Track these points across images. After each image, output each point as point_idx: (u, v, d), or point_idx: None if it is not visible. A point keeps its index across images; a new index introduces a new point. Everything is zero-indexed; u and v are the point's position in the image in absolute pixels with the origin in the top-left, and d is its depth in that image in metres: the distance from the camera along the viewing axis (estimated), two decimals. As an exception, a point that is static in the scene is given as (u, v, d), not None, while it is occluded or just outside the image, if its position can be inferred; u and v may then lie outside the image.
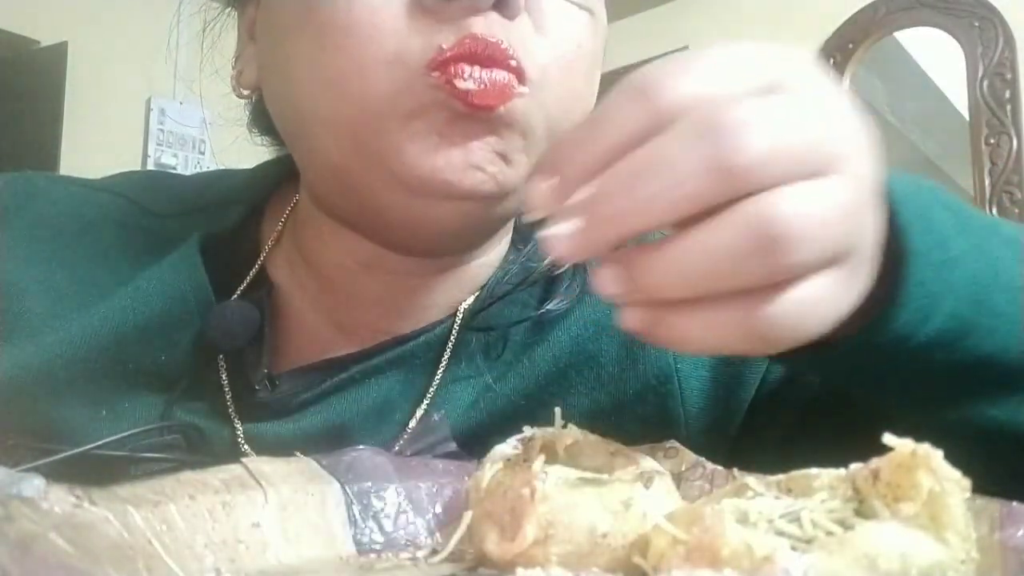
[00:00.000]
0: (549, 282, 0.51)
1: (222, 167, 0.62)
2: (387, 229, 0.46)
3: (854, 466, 0.26)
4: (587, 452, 0.31)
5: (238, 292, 0.50)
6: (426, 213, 0.43)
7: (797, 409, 0.47)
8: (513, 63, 0.40)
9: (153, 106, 3.01)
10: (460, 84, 0.39)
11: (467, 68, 0.39)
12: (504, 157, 0.41)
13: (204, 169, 0.67)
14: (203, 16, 0.55)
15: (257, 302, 0.49)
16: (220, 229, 0.51)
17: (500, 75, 0.39)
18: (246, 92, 0.51)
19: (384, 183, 0.42)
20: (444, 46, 0.39)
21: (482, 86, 0.39)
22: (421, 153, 0.40)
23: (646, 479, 0.29)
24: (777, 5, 2.75)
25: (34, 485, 0.24)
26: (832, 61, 2.62)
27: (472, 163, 0.40)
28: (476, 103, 0.39)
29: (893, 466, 0.24)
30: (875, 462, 0.25)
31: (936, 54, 2.50)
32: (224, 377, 0.48)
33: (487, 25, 0.39)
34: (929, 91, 2.59)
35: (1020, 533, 0.24)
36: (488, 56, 0.39)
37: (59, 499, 0.24)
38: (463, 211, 0.43)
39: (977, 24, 2.35)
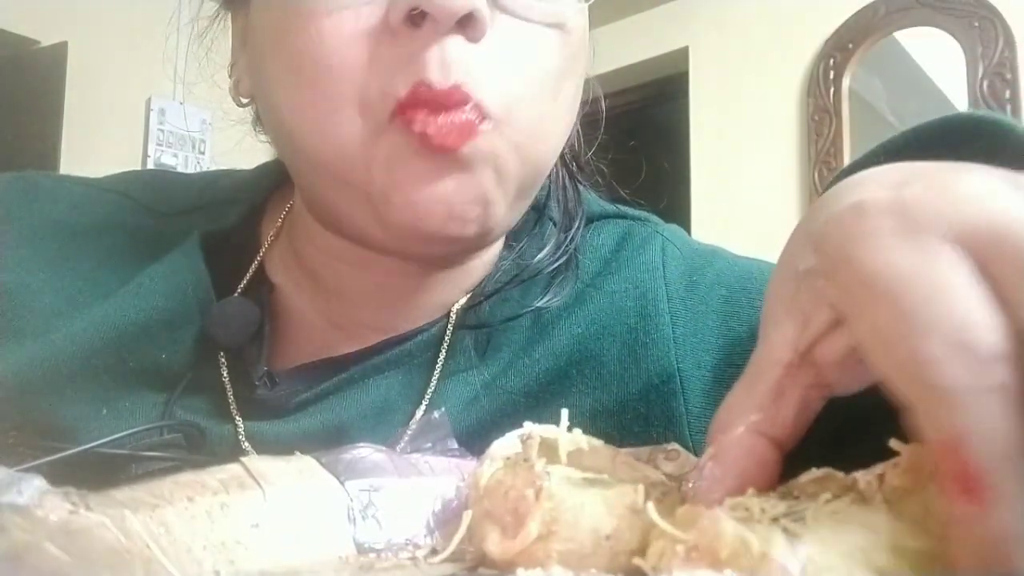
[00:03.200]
0: (549, 279, 0.51)
1: (222, 167, 0.62)
2: (373, 246, 0.47)
3: (859, 472, 0.25)
4: (589, 456, 0.31)
5: (238, 290, 0.50)
6: (408, 249, 0.45)
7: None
8: (470, 105, 0.40)
9: (153, 106, 3.01)
10: (416, 128, 0.39)
11: (421, 116, 0.39)
12: (482, 199, 0.42)
13: (204, 169, 0.67)
14: (197, 22, 0.55)
15: (257, 300, 0.49)
16: (221, 228, 0.52)
17: (458, 116, 0.39)
18: (244, 100, 0.51)
19: (370, 221, 0.43)
20: (400, 95, 0.39)
21: (441, 128, 0.39)
22: (403, 202, 0.41)
23: (652, 487, 0.29)
24: (777, 5, 2.74)
25: (34, 485, 0.24)
26: (832, 61, 2.62)
27: (453, 214, 0.41)
28: (437, 144, 0.39)
29: (899, 471, 0.24)
30: (880, 467, 0.25)
31: (936, 54, 2.50)
32: (225, 374, 0.48)
33: (442, 64, 0.39)
34: (929, 91, 2.59)
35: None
36: (442, 103, 0.39)
37: (54, 506, 0.24)
38: (445, 250, 0.45)
39: (977, 24, 2.35)
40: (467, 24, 0.39)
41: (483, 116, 0.40)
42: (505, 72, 0.41)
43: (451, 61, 0.39)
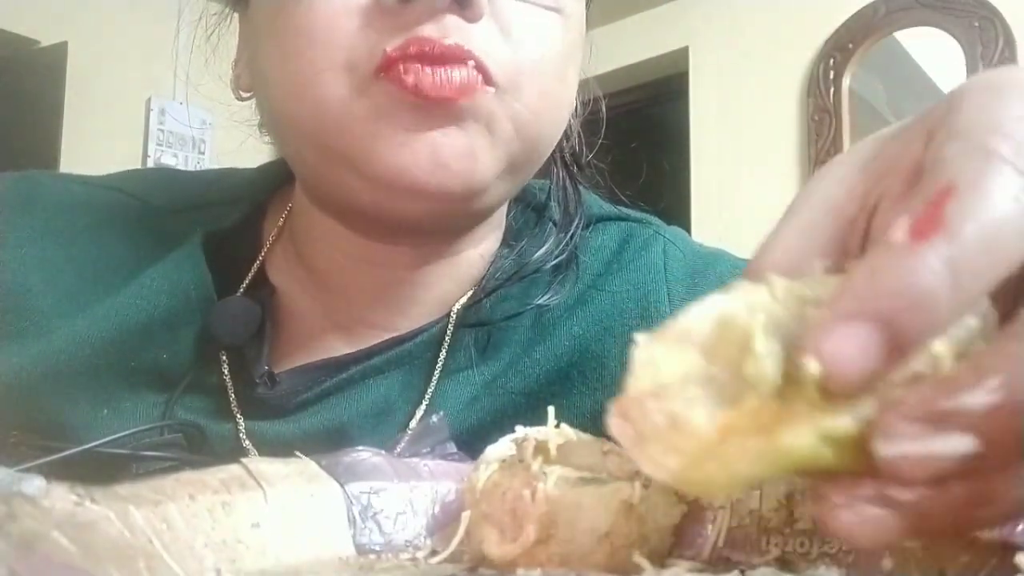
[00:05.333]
0: (550, 278, 0.51)
1: (222, 167, 0.62)
2: (367, 222, 0.46)
3: None
4: (579, 451, 0.31)
5: (240, 290, 0.50)
6: (398, 209, 0.43)
7: None
8: (471, 63, 0.39)
9: (153, 106, 3.01)
10: (407, 79, 0.38)
11: (415, 66, 0.38)
12: (471, 154, 0.41)
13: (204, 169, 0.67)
14: (204, 20, 0.55)
15: (259, 300, 0.49)
16: (223, 227, 0.52)
17: (458, 73, 0.39)
18: (245, 95, 0.51)
19: (355, 182, 0.42)
20: (388, 50, 0.39)
21: (437, 80, 0.38)
22: (387, 153, 0.40)
23: (644, 478, 0.29)
24: (777, 5, 2.74)
25: (35, 485, 0.24)
26: (832, 61, 2.62)
27: (439, 162, 0.40)
28: (430, 95, 0.38)
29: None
30: None
31: (936, 54, 2.50)
32: (226, 372, 0.48)
33: (440, 28, 0.39)
34: (929, 91, 2.59)
35: (1020, 528, 0.24)
36: (439, 56, 0.38)
37: (60, 497, 0.24)
38: (434, 207, 0.43)
39: (977, 24, 2.35)
40: (464, 4, 0.39)
41: (487, 80, 0.40)
42: (509, 49, 0.41)
43: (450, 28, 0.39)
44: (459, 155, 0.40)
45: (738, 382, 0.19)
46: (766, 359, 0.19)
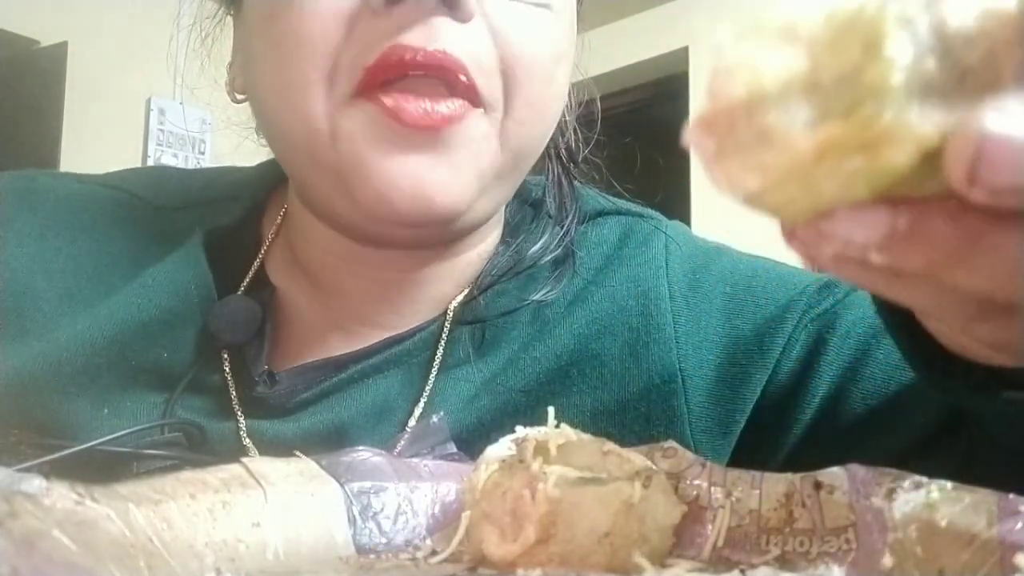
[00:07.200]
0: (547, 274, 0.51)
1: (221, 166, 0.62)
2: (356, 230, 0.47)
3: None
4: (579, 451, 0.31)
5: (241, 289, 0.50)
6: (381, 231, 0.44)
7: (807, 415, 0.47)
8: (464, 79, 0.39)
9: (153, 106, 3.01)
10: (386, 101, 0.38)
11: (394, 93, 0.38)
12: (454, 184, 0.41)
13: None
14: (199, 22, 0.55)
15: (259, 299, 0.49)
16: (223, 223, 0.52)
17: (445, 106, 0.39)
18: (240, 97, 0.51)
19: (340, 200, 0.43)
20: (368, 66, 0.39)
21: (420, 110, 0.38)
22: (369, 177, 0.40)
23: (644, 478, 0.29)
24: (777, 5, 2.74)
25: (36, 483, 0.24)
26: (832, 61, 2.62)
27: (422, 195, 0.40)
28: (418, 124, 0.39)
29: None
30: None
31: (936, 54, 2.50)
32: (227, 371, 0.48)
33: (428, 34, 0.39)
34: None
35: (1019, 527, 0.24)
36: (421, 64, 0.38)
37: (61, 496, 0.24)
38: (416, 232, 0.44)
39: (977, 24, 2.35)
40: (452, 4, 0.39)
41: (475, 103, 0.40)
42: (499, 49, 0.41)
43: (439, 32, 0.39)
44: (443, 189, 0.41)
45: (852, 90, 0.16)
46: (897, 62, 0.16)
